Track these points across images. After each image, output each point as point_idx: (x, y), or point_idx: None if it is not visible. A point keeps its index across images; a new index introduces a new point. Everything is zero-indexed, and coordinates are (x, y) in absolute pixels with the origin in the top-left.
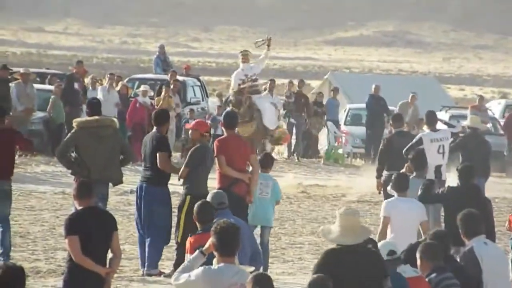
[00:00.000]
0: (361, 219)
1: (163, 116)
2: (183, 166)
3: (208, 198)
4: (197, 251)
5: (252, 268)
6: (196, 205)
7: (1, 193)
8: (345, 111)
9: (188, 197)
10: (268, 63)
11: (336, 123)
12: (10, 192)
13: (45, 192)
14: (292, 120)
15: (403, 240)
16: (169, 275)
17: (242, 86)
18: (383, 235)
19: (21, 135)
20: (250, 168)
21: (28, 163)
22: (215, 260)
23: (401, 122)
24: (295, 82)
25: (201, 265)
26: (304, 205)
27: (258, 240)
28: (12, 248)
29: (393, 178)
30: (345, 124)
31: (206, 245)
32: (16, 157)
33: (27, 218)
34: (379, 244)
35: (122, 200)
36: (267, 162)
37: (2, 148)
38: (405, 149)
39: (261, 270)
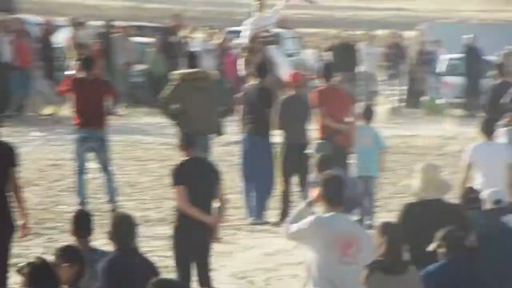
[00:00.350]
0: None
1: (264, 68)
2: (275, 117)
3: (312, 149)
4: (304, 202)
5: (356, 218)
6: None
7: (97, 141)
8: (443, 61)
9: (285, 146)
10: (361, 14)
11: (435, 74)
12: (106, 141)
13: (151, 143)
14: (393, 71)
15: (491, 186)
16: (274, 224)
17: (257, 34)
18: (467, 180)
19: (110, 85)
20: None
21: (133, 114)
22: (319, 210)
23: (505, 71)
24: (395, 32)
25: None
26: (405, 155)
27: (360, 191)
28: (122, 198)
29: (481, 122)
30: (443, 74)
31: (314, 196)
32: (122, 108)
33: (134, 168)
34: (484, 193)
35: (226, 150)
36: (369, 113)
37: (93, 97)
38: (506, 98)
39: (368, 219)
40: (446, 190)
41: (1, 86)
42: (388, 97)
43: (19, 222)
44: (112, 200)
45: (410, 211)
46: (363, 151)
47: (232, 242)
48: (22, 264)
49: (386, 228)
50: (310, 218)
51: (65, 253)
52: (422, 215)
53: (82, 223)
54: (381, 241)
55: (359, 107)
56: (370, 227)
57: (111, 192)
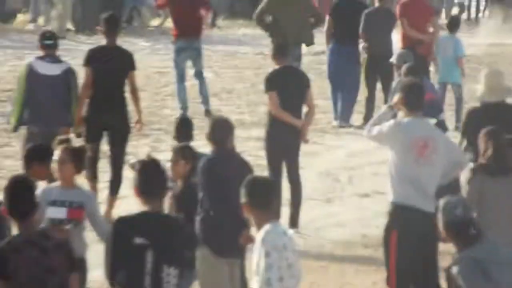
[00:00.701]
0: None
1: None
2: (361, 27)
3: (393, 58)
4: (385, 105)
5: (434, 120)
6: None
7: (193, 51)
8: None
9: (370, 55)
10: None
11: None
12: (201, 50)
13: (247, 53)
14: None
15: None
16: (358, 127)
17: None
18: None
19: None
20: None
21: (231, 26)
22: (399, 114)
23: None
24: None
25: None
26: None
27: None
28: (219, 103)
29: None
30: None
31: (394, 100)
32: (221, 21)
33: (231, 76)
34: None
35: (315, 59)
36: (453, 23)
37: (188, 10)
38: None
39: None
40: (508, 95)
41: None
42: (470, 8)
43: (135, 118)
44: (206, 104)
45: (473, 114)
46: (445, 60)
47: (319, 143)
48: (133, 161)
49: (493, 133)
50: (390, 122)
51: (182, 151)
52: (485, 118)
53: (182, 128)
54: (487, 146)
55: (444, 18)
56: (456, 128)
57: (206, 96)
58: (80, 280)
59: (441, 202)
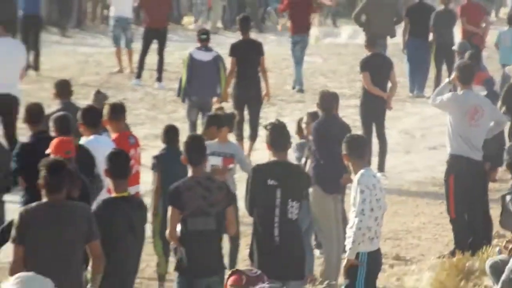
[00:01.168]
0: None
1: None
2: (431, 25)
3: (455, 47)
4: (446, 80)
5: (485, 92)
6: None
7: (304, 43)
8: None
9: (438, 44)
10: None
11: None
12: (307, 43)
13: (347, 44)
14: None
15: None
16: (429, 98)
17: None
18: None
19: (315, 3)
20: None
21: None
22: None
23: None
24: None
25: None
26: None
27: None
28: (326, 80)
29: None
30: None
31: (452, 77)
32: (327, 20)
33: (335, 60)
34: None
35: (396, 48)
36: (510, 19)
37: (301, 13)
38: None
39: None
40: None
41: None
42: None
43: (265, 92)
44: (300, 84)
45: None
46: (504, 48)
47: (400, 109)
48: (266, 123)
49: None
50: (448, 94)
51: (314, 115)
52: None
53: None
54: None
55: (493, 16)
56: None
57: (299, 77)
58: (233, 210)
59: (507, 147)
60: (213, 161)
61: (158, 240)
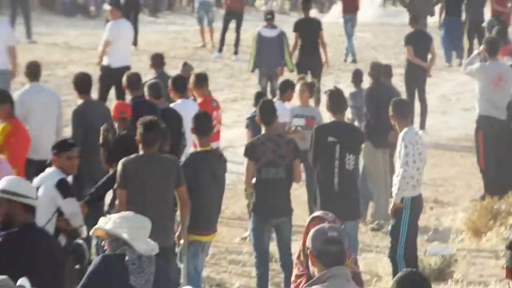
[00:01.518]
0: None
1: None
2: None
3: (485, 23)
4: (475, 51)
5: (511, 62)
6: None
7: (354, 21)
8: None
9: (469, 21)
10: None
11: None
12: (356, 21)
13: (393, 24)
14: None
15: None
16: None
17: None
18: None
19: None
20: None
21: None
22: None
23: None
24: None
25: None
26: None
27: None
28: (375, 53)
29: None
30: None
31: (481, 49)
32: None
33: (383, 36)
34: None
35: (435, 24)
36: None
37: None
38: None
39: None
40: None
41: None
42: None
43: (324, 61)
44: (353, 55)
45: None
46: None
47: (438, 77)
48: (325, 90)
49: None
50: (477, 64)
51: (308, 85)
52: None
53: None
54: None
55: None
56: None
57: (352, 50)
58: (298, 164)
59: None
60: (297, 122)
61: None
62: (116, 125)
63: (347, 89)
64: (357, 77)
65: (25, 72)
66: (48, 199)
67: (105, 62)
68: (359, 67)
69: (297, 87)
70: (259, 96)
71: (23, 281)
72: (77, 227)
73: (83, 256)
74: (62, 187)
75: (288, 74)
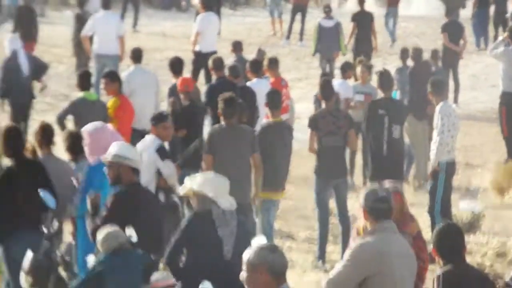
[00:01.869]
0: None
1: None
2: None
3: (509, 14)
4: (500, 37)
5: None
6: None
7: (396, 12)
8: None
9: (494, 12)
10: None
11: None
12: (397, 14)
13: (430, 14)
14: None
15: None
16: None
17: None
18: None
19: None
20: None
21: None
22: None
23: None
24: None
25: None
26: None
27: None
28: (416, 39)
29: None
30: None
31: (504, 36)
32: None
33: (421, 24)
34: None
35: (467, 15)
36: None
37: None
38: None
39: None
40: None
41: None
42: None
43: (374, 45)
44: (393, 41)
45: None
46: None
47: (469, 59)
48: (375, 71)
49: None
50: (502, 48)
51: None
52: None
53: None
54: None
55: None
56: None
57: (393, 37)
58: (353, 133)
59: None
60: (357, 98)
61: None
62: (181, 97)
63: (393, 68)
64: (404, 54)
65: (130, 56)
66: (150, 162)
67: (197, 48)
68: (406, 46)
69: (358, 68)
70: (324, 76)
71: (129, 230)
72: (173, 185)
73: (177, 210)
74: (161, 152)
75: (342, 57)
